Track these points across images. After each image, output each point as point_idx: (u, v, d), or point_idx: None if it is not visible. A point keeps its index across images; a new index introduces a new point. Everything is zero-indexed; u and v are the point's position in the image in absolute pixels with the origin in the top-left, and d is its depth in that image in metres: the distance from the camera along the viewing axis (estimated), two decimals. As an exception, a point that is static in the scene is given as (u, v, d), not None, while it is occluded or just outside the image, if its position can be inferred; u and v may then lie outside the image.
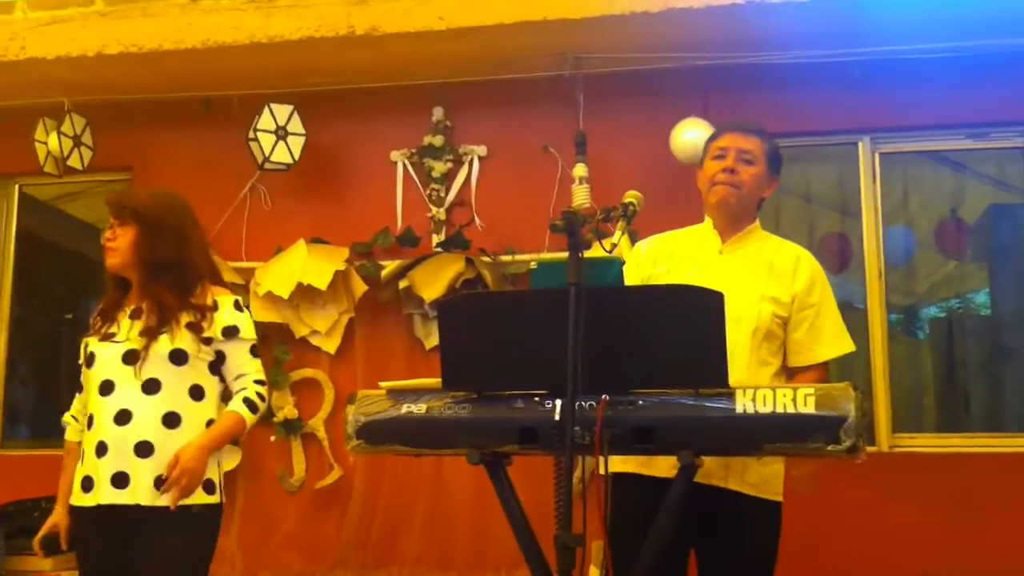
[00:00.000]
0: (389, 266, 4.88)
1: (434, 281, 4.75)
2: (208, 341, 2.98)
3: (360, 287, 4.91)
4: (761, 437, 2.28)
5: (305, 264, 4.89)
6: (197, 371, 2.97)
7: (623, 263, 2.42)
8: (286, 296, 4.88)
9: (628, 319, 2.33)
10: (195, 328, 2.96)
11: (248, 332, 3.08)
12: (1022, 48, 4.53)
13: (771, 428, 2.25)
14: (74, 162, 5.12)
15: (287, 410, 4.93)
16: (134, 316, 2.99)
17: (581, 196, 4.54)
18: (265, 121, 4.85)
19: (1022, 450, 4.57)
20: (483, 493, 4.45)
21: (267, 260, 5.00)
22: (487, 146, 4.98)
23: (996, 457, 4.56)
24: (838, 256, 5.05)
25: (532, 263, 4.47)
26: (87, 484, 2.89)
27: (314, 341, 4.99)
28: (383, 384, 2.58)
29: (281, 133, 4.85)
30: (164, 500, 2.85)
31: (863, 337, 4.73)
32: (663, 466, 2.78)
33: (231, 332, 3.03)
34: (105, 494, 2.85)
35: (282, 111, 4.87)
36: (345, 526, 4.88)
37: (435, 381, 2.51)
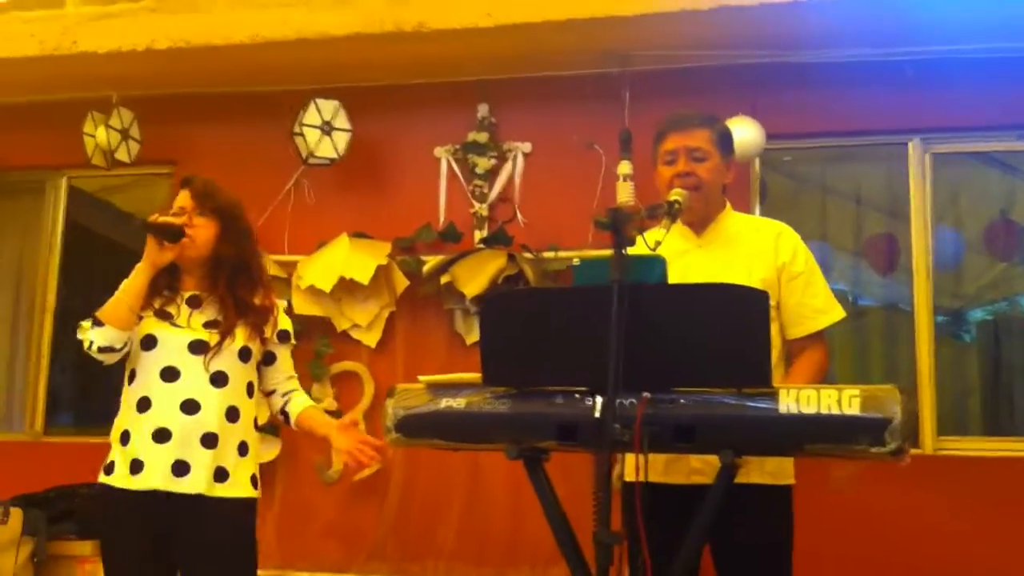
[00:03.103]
0: (431, 261, 4.88)
1: (476, 277, 4.75)
2: (263, 342, 3.06)
3: (402, 282, 4.92)
4: (804, 438, 2.25)
5: (347, 258, 4.92)
6: (253, 369, 3.05)
7: (665, 261, 2.40)
8: (328, 290, 4.90)
9: (670, 317, 2.31)
10: (258, 328, 3.02)
11: (293, 336, 3.19)
12: (1078, 49, 4.46)
13: (815, 429, 2.22)
14: (121, 155, 5.17)
15: (327, 402, 4.95)
16: (192, 304, 3.01)
17: (625, 194, 4.52)
18: (311, 116, 4.88)
19: (1069, 455, 4.49)
20: (519, 489, 4.52)
21: (310, 254, 5.03)
22: (531, 143, 4.97)
23: (1042, 462, 4.48)
24: (885, 257, 5.00)
25: (575, 259, 4.46)
26: (136, 467, 2.89)
27: (355, 335, 5.01)
28: (422, 378, 2.58)
29: (326, 128, 4.88)
30: (221, 491, 2.89)
31: (909, 339, 4.68)
32: (681, 472, 2.78)
33: (284, 336, 3.13)
34: (161, 480, 2.86)
35: (327, 106, 4.89)
36: (382, 518, 4.89)
37: (475, 376, 2.50)
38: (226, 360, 2.95)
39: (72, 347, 5.66)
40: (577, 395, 2.38)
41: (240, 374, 2.99)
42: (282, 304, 3.21)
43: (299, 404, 3.15)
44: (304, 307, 4.94)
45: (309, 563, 4.93)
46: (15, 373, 5.70)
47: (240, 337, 2.98)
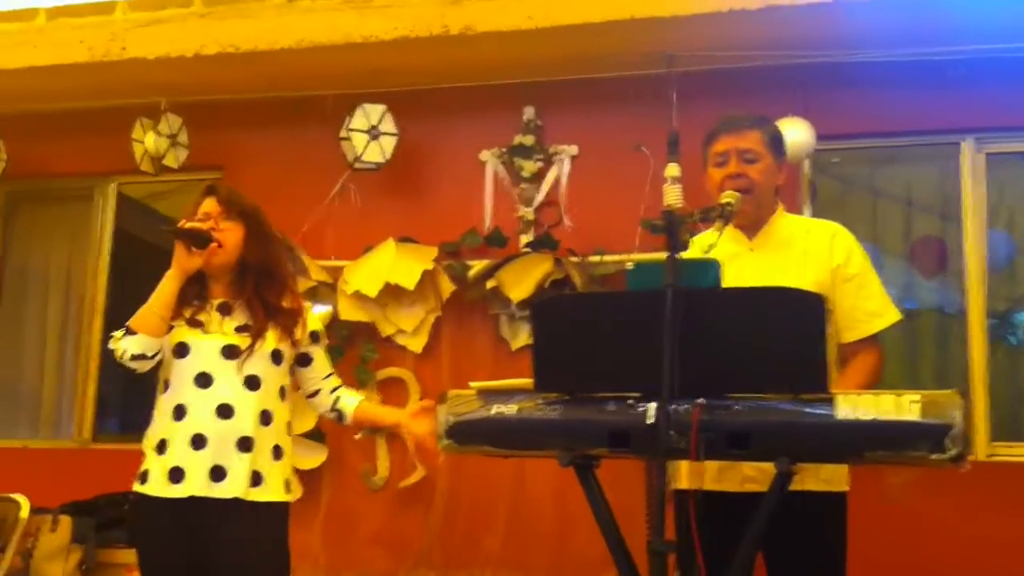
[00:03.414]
0: (477, 266, 4.87)
1: (522, 281, 4.73)
2: (295, 344, 3.09)
3: (447, 287, 4.91)
4: (862, 444, 2.20)
5: (393, 263, 4.92)
6: (285, 373, 3.08)
7: (719, 265, 2.36)
8: (374, 295, 4.90)
9: (725, 321, 2.27)
10: (288, 331, 3.06)
11: (325, 335, 3.24)
12: None
13: (873, 435, 2.17)
14: (170, 161, 5.21)
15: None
16: (223, 311, 3.04)
17: (673, 196, 4.48)
18: (358, 120, 4.89)
19: None
20: (565, 496, 4.50)
21: (356, 259, 5.03)
22: (577, 145, 4.94)
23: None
24: (936, 260, 4.92)
25: (628, 263, 4.41)
26: (176, 475, 2.91)
27: (400, 340, 5.01)
28: (473, 384, 2.57)
29: (373, 133, 4.88)
30: (256, 495, 2.91)
31: (961, 342, 4.60)
32: (734, 480, 2.74)
33: (316, 336, 3.17)
34: (200, 486, 2.89)
35: (375, 111, 4.89)
36: (428, 526, 4.88)
37: (526, 382, 2.48)
38: (258, 363, 2.98)
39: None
40: (630, 401, 2.35)
41: (273, 377, 3.02)
42: (309, 305, 3.24)
43: (352, 399, 3.20)
44: (350, 312, 4.95)
45: (355, 570, 4.92)
46: (64, 380, 5.75)
47: (271, 340, 3.01)
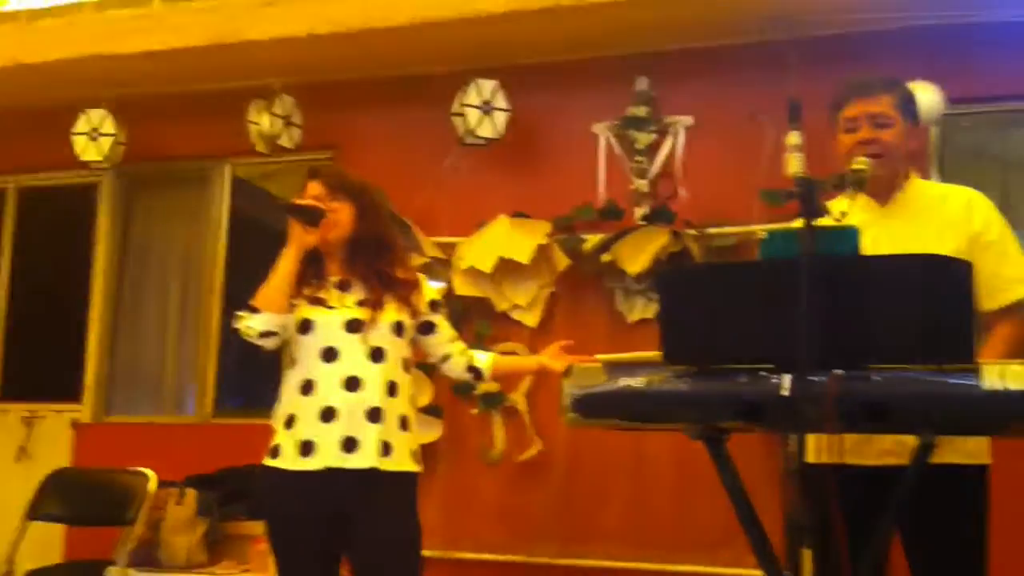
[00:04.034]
0: (591, 240, 4.82)
1: (638, 254, 4.68)
2: (414, 314, 3.12)
3: (562, 261, 4.88)
4: (1010, 416, 2.11)
5: (507, 238, 4.92)
6: (407, 344, 3.12)
7: (858, 232, 2.28)
8: (488, 270, 4.91)
9: (865, 290, 2.19)
10: (407, 301, 3.09)
11: (444, 303, 3.29)
12: None
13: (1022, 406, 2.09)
14: (284, 142, 5.27)
15: (488, 383, 4.94)
16: (342, 287, 3.08)
17: (795, 165, 4.37)
18: (470, 96, 4.87)
19: None
20: (685, 471, 4.44)
21: (469, 235, 5.03)
22: (693, 115, 4.85)
23: None
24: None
25: (761, 232, 4.33)
26: (307, 449, 2.95)
27: (515, 315, 5.00)
28: (600, 357, 2.54)
29: (486, 108, 4.86)
30: (388, 464, 2.94)
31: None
32: (871, 453, 2.65)
33: (436, 305, 3.21)
34: (333, 458, 2.92)
35: (487, 86, 4.87)
36: (545, 500, 4.87)
37: (652, 354, 2.44)
38: (382, 335, 3.01)
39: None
40: (762, 373, 2.28)
41: (396, 349, 3.04)
42: (424, 277, 3.27)
43: (485, 355, 3.27)
44: (464, 288, 4.96)
45: (473, 545, 4.94)
46: (185, 358, 5.88)
47: (391, 311, 3.04)
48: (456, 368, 3.24)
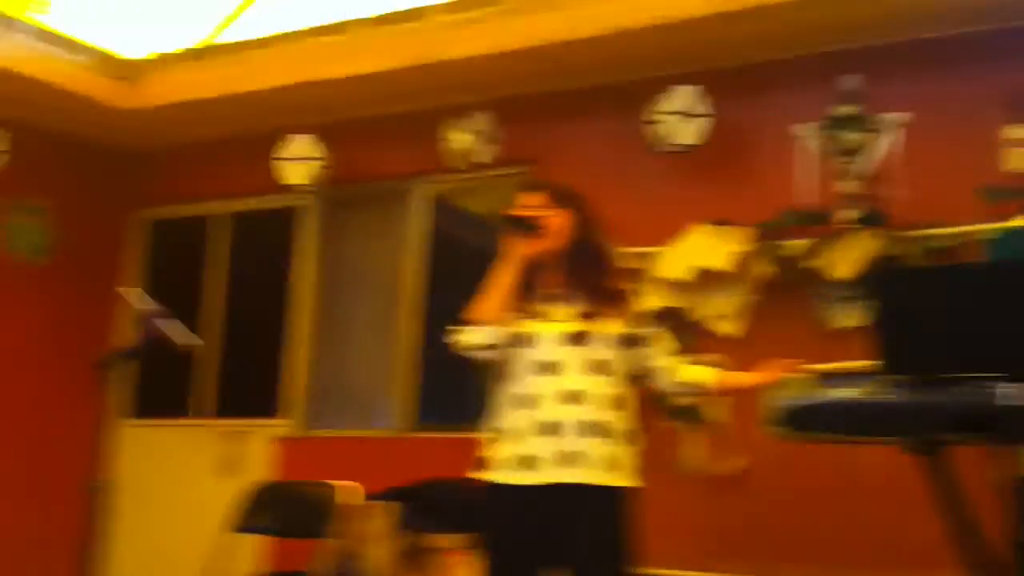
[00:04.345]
0: (796, 246, 4.66)
1: (846, 259, 4.48)
2: (630, 326, 3.08)
3: (763, 269, 4.73)
4: None
5: (706, 246, 4.81)
6: (627, 356, 3.06)
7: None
8: (687, 279, 4.82)
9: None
10: (624, 314, 3.06)
11: (652, 313, 3.28)
12: None
13: None
14: (481, 157, 5.33)
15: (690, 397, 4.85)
16: (560, 299, 3.05)
17: (1019, 160, 4.09)
18: (667, 103, 4.81)
19: None
20: (895, 486, 4.19)
21: (667, 244, 4.94)
22: (904, 113, 4.61)
23: None
24: None
25: (982, 232, 4.08)
26: (526, 463, 2.93)
27: (715, 325, 4.88)
28: (812, 367, 2.43)
29: (684, 114, 4.79)
30: (610, 479, 2.93)
31: None
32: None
33: (647, 317, 3.18)
34: (554, 473, 2.90)
35: (684, 92, 4.80)
36: (746, 516, 4.72)
37: (864, 364, 2.32)
38: (603, 348, 2.98)
39: (439, 346, 5.91)
40: (987, 383, 2.13)
41: (618, 361, 3.01)
42: (632, 288, 3.25)
43: (701, 369, 3.21)
44: (662, 299, 4.87)
45: (672, 560, 4.83)
46: (386, 372, 5.97)
47: (611, 324, 3.00)
48: (667, 381, 3.17)
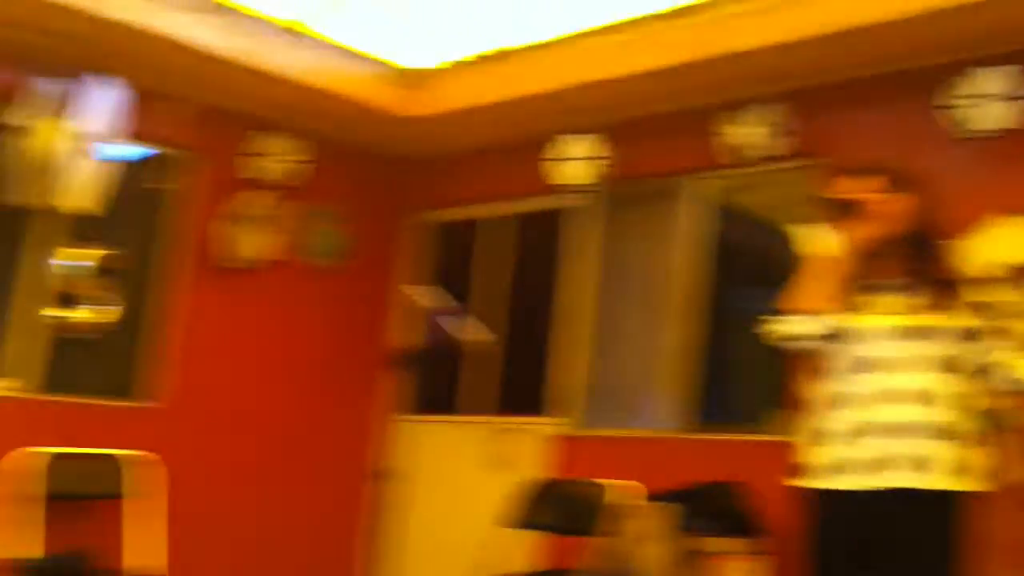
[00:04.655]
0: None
1: None
2: (967, 317, 2.88)
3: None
4: None
5: (1013, 240, 4.55)
6: (967, 350, 2.85)
7: None
8: (1002, 274, 4.53)
9: None
10: (961, 305, 2.86)
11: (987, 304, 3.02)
12: None
13: None
14: (771, 151, 5.23)
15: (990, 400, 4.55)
16: (896, 290, 2.88)
17: None
18: (972, 86, 4.60)
19: None
20: None
21: (974, 234, 4.63)
22: None
23: None
24: None
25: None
26: (876, 465, 2.77)
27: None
28: None
29: (997, 97, 4.53)
30: (961, 484, 2.76)
31: None
32: None
33: (978, 305, 2.94)
34: (902, 477, 2.75)
35: (992, 74, 4.56)
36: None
37: None
38: (948, 343, 2.79)
39: (717, 347, 5.80)
40: None
41: (963, 357, 2.81)
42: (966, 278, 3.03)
43: None
44: (970, 293, 4.61)
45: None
46: (659, 372, 5.88)
47: (954, 317, 2.81)
48: (1005, 378, 2.90)
